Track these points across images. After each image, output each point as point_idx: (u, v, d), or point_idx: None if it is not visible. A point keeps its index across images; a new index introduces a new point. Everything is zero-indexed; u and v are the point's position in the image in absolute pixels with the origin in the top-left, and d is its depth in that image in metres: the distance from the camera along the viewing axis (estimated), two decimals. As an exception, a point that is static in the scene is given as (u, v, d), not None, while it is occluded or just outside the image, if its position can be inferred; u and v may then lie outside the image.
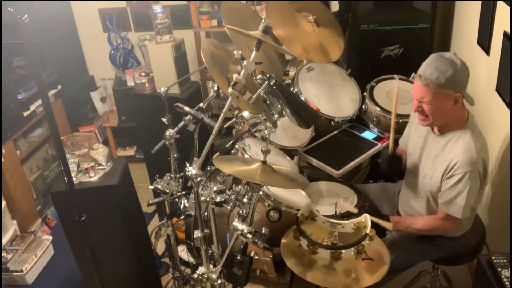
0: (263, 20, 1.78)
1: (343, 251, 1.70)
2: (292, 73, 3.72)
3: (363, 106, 2.78)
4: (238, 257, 1.77)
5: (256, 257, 2.31)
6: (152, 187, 2.39)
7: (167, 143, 2.31)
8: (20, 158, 3.28)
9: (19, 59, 3.30)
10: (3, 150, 3.01)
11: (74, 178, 2.10)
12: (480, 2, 2.50)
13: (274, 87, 1.93)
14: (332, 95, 2.78)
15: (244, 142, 2.31)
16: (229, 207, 1.91)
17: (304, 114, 2.01)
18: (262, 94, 1.95)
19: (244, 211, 1.85)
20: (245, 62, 1.67)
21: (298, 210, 1.92)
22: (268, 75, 1.93)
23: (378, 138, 2.67)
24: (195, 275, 1.87)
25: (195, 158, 1.80)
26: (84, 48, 4.32)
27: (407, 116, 2.37)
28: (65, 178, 1.66)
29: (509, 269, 1.59)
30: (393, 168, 2.27)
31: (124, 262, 2.39)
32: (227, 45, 2.19)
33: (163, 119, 2.39)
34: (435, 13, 2.98)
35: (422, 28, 2.96)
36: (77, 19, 4.20)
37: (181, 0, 3.86)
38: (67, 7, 4.12)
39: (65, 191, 1.73)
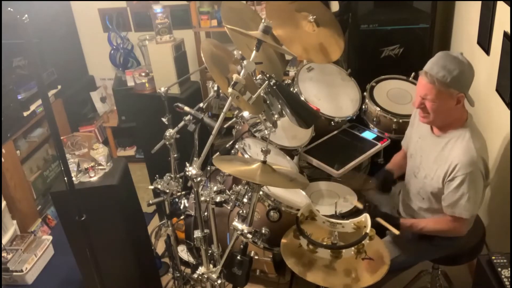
0: (263, 20, 1.78)
1: (343, 250, 1.70)
2: (292, 73, 3.72)
3: (363, 106, 2.78)
4: (238, 257, 1.77)
5: (256, 257, 2.31)
6: (152, 187, 2.39)
7: (167, 143, 2.31)
8: (20, 158, 3.28)
9: (19, 59, 3.30)
10: (3, 150, 3.01)
11: (74, 178, 2.10)
12: (480, 2, 2.50)
13: (274, 87, 1.93)
14: (332, 95, 2.78)
15: (244, 142, 2.31)
16: (229, 207, 1.91)
17: (304, 114, 2.01)
18: (262, 94, 1.95)
19: (244, 211, 1.85)
20: (245, 62, 1.67)
21: (298, 210, 1.92)
22: (268, 75, 1.94)
23: (378, 138, 2.67)
24: (195, 275, 1.87)
25: (195, 158, 1.80)
26: (84, 48, 4.32)
27: (407, 116, 2.37)
28: (65, 178, 1.66)
29: (509, 269, 1.59)
30: (386, 187, 2.27)
31: (124, 262, 2.39)
32: (227, 45, 2.19)
33: (163, 119, 2.39)
34: (435, 13, 2.98)
35: (422, 28, 2.97)
36: (77, 19, 4.20)
37: (181, 0, 3.86)
38: (67, 7, 4.12)
39: (65, 191, 1.73)
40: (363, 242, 1.70)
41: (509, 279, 1.56)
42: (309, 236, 1.74)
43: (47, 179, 3.56)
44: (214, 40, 2.22)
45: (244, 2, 3.52)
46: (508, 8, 2.09)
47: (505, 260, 1.63)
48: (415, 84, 2.61)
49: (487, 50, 2.39)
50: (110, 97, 4.32)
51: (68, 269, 2.89)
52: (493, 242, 2.31)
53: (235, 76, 1.65)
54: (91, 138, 2.34)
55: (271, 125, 2.06)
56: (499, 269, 1.60)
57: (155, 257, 2.78)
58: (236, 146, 2.24)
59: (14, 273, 2.86)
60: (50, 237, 3.17)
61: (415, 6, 3.07)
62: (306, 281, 1.67)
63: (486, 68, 2.40)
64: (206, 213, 1.99)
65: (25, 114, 3.28)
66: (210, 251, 1.88)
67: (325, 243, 1.74)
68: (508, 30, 2.08)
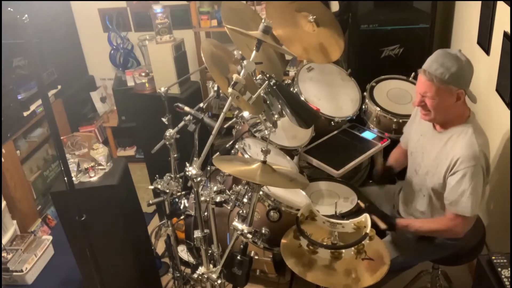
0: (263, 20, 1.78)
1: (343, 251, 1.70)
2: (292, 73, 3.72)
3: (363, 106, 2.78)
4: (238, 257, 1.77)
5: (256, 257, 2.31)
6: (152, 187, 2.39)
7: (167, 143, 2.31)
8: (20, 158, 3.28)
9: (19, 59, 3.30)
10: (3, 150, 3.01)
11: (74, 178, 2.10)
12: (480, 2, 2.50)
13: (274, 87, 1.93)
14: (332, 95, 2.78)
15: (244, 142, 2.31)
16: (229, 207, 1.91)
17: (304, 114, 2.01)
18: (262, 94, 1.95)
19: (244, 211, 1.85)
20: (245, 62, 1.67)
21: (298, 210, 1.92)
22: (268, 75, 1.93)
23: (378, 138, 2.67)
24: (195, 275, 1.87)
25: (195, 158, 1.80)
26: (84, 48, 4.32)
27: (407, 116, 2.37)
28: (65, 178, 1.66)
29: (509, 269, 1.59)
30: (384, 181, 2.27)
31: (124, 262, 2.39)
32: (227, 45, 2.19)
33: (163, 119, 2.39)
34: (435, 13, 2.98)
35: (422, 28, 2.97)
36: (77, 19, 4.20)
37: (181, 0, 3.86)
38: (67, 7, 4.12)
39: (65, 191, 1.73)
40: (363, 242, 1.70)
41: (509, 279, 1.56)
42: (309, 236, 1.74)
43: (47, 179, 3.56)
44: (214, 40, 2.22)
45: (244, 2, 3.52)
46: (508, 8, 2.09)
47: (505, 260, 1.63)
48: (415, 84, 2.60)
49: (487, 50, 2.39)
50: (110, 97, 4.32)
51: (68, 269, 2.89)
52: (493, 242, 2.31)
53: (235, 76, 1.65)
54: (91, 138, 2.34)
55: (271, 125, 2.06)
56: (499, 269, 1.60)
57: (155, 257, 2.78)
58: (236, 146, 2.24)
59: (14, 273, 2.86)
60: (50, 237, 3.17)
61: (415, 6, 3.07)
62: (306, 281, 1.67)
63: (486, 68, 2.40)
64: (206, 213, 1.99)
65: (25, 114, 3.28)
66: (210, 251, 1.88)
67: (325, 243, 1.74)
68: (508, 30, 2.08)
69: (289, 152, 2.50)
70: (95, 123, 4.20)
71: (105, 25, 4.15)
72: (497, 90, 2.24)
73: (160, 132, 2.32)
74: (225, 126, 2.46)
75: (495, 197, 2.34)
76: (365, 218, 1.79)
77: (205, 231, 1.81)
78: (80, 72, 4.29)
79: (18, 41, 2.90)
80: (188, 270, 2.73)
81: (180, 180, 2.39)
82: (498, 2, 2.23)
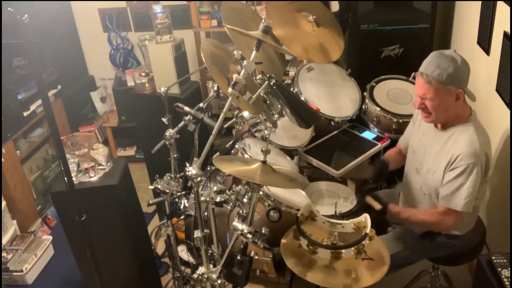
0: (263, 20, 1.78)
1: (343, 251, 1.70)
2: (292, 73, 3.72)
3: (363, 106, 2.78)
4: (238, 257, 1.77)
5: (256, 257, 2.31)
6: (152, 187, 2.39)
7: (167, 143, 2.31)
8: (20, 158, 3.28)
9: (19, 59, 3.30)
10: (3, 150, 3.01)
11: (74, 178, 2.10)
12: (480, 2, 2.50)
13: (274, 87, 1.93)
14: (332, 95, 2.78)
15: (244, 142, 2.31)
16: (229, 207, 1.91)
17: (304, 114, 2.01)
18: (262, 94, 1.95)
19: (244, 211, 1.85)
20: (245, 62, 1.67)
21: (298, 210, 1.92)
22: (268, 75, 1.93)
23: (378, 138, 2.67)
24: (195, 275, 1.87)
25: (195, 158, 1.80)
26: (84, 48, 4.32)
27: (407, 116, 2.37)
28: (65, 178, 1.66)
29: (509, 269, 1.59)
30: (381, 178, 2.27)
31: (124, 262, 2.39)
32: (227, 45, 2.19)
33: (163, 119, 2.39)
34: (435, 13, 2.98)
35: (422, 28, 2.97)
36: (77, 19, 4.20)
37: (181, 0, 3.86)
38: (67, 7, 4.12)
39: (65, 191, 1.73)
40: (363, 242, 1.70)
41: (509, 279, 1.56)
42: (309, 236, 1.74)
43: (47, 179, 3.56)
44: (214, 40, 2.22)
45: (244, 2, 3.52)
46: (508, 8, 2.09)
47: (505, 260, 1.63)
48: (415, 84, 2.62)
49: (487, 50, 2.39)
50: (110, 97, 4.32)
51: (68, 269, 2.89)
52: (493, 242, 2.31)
53: (235, 76, 1.65)
54: (91, 138, 2.34)
55: (271, 125, 2.06)
56: (499, 269, 1.60)
57: (155, 257, 2.78)
58: (236, 146, 2.24)
59: (14, 273, 2.86)
60: (50, 237, 3.17)
61: (415, 6, 3.07)
62: (306, 281, 1.67)
63: (486, 68, 2.40)
64: (206, 213, 1.99)
65: (25, 114, 3.28)
66: (210, 251, 1.88)
67: (325, 243, 1.74)
68: (508, 30, 2.08)
69: (289, 152, 2.50)
70: (95, 123, 4.20)
71: (105, 25, 4.15)
72: (497, 90, 2.24)
73: (160, 132, 2.32)
74: (225, 126, 2.46)
75: (495, 197, 2.34)
76: (365, 218, 1.79)
77: (205, 231, 1.81)
78: (80, 72, 4.29)
79: (18, 41, 2.90)
80: (188, 270, 2.73)
81: (180, 180, 2.39)
82: (498, 2, 2.23)
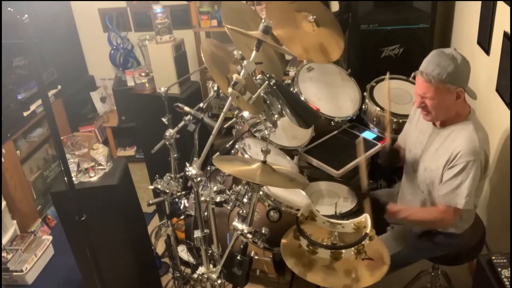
0: (263, 20, 1.78)
1: (343, 251, 1.70)
2: (292, 73, 3.72)
3: (363, 106, 2.78)
4: (238, 257, 1.77)
5: (256, 257, 2.31)
6: (152, 187, 2.39)
7: (167, 143, 2.31)
8: (20, 158, 3.28)
9: (19, 59, 3.30)
10: (3, 150, 3.01)
11: (74, 178, 2.10)
12: (480, 2, 2.50)
13: (274, 87, 1.93)
14: (332, 95, 2.78)
15: (244, 142, 2.31)
16: (229, 207, 1.91)
17: (304, 114, 2.01)
18: (262, 94, 1.95)
19: (244, 211, 1.85)
20: (245, 62, 1.67)
21: (298, 210, 1.92)
22: (268, 75, 1.93)
23: (378, 138, 2.67)
24: (195, 275, 1.87)
25: (195, 158, 1.80)
26: (84, 48, 4.32)
27: (407, 116, 2.36)
28: (65, 178, 1.66)
29: (509, 269, 1.59)
30: (391, 160, 2.27)
31: (124, 262, 2.39)
32: (227, 45, 2.19)
33: (163, 119, 2.39)
34: (435, 13, 2.98)
35: (422, 28, 2.97)
36: (77, 19, 4.20)
37: (181, 0, 3.86)
38: (67, 7, 4.12)
39: (65, 191, 1.73)
40: (363, 242, 1.70)
41: (509, 279, 1.56)
42: (309, 237, 1.74)
43: (47, 179, 3.56)
44: (214, 40, 2.22)
45: (244, 2, 3.52)
46: (508, 8, 2.09)
47: (505, 260, 1.63)
48: (415, 84, 2.62)
49: (487, 50, 2.39)
50: (110, 97, 4.32)
51: (68, 269, 2.89)
52: (493, 242, 2.31)
53: (235, 76, 1.65)
54: (91, 138, 2.34)
55: (271, 125, 2.06)
56: (499, 269, 1.60)
57: (155, 257, 2.78)
58: (236, 146, 2.24)
59: (14, 273, 2.86)
60: (50, 237, 3.17)
61: (415, 6, 3.07)
62: (306, 281, 1.67)
63: (486, 68, 2.40)
64: (206, 213, 1.99)
65: (25, 114, 3.28)
66: (210, 251, 1.88)
67: (325, 244, 1.74)
68: (508, 30, 2.08)
69: (289, 152, 2.50)
70: (95, 123, 4.20)
71: (105, 25, 4.15)
72: (497, 90, 2.24)
73: (160, 132, 2.32)
74: (225, 126, 2.46)
75: (495, 197, 2.34)
76: (365, 218, 1.79)
77: (205, 231, 1.81)
78: (80, 72, 4.29)
79: (18, 41, 2.91)
80: (188, 270, 2.73)
81: (180, 180, 2.39)
82: (498, 2, 2.23)
